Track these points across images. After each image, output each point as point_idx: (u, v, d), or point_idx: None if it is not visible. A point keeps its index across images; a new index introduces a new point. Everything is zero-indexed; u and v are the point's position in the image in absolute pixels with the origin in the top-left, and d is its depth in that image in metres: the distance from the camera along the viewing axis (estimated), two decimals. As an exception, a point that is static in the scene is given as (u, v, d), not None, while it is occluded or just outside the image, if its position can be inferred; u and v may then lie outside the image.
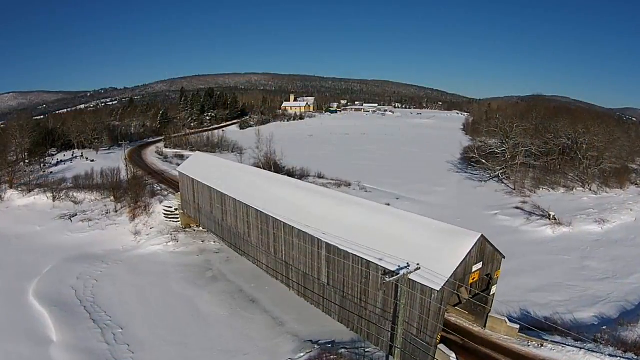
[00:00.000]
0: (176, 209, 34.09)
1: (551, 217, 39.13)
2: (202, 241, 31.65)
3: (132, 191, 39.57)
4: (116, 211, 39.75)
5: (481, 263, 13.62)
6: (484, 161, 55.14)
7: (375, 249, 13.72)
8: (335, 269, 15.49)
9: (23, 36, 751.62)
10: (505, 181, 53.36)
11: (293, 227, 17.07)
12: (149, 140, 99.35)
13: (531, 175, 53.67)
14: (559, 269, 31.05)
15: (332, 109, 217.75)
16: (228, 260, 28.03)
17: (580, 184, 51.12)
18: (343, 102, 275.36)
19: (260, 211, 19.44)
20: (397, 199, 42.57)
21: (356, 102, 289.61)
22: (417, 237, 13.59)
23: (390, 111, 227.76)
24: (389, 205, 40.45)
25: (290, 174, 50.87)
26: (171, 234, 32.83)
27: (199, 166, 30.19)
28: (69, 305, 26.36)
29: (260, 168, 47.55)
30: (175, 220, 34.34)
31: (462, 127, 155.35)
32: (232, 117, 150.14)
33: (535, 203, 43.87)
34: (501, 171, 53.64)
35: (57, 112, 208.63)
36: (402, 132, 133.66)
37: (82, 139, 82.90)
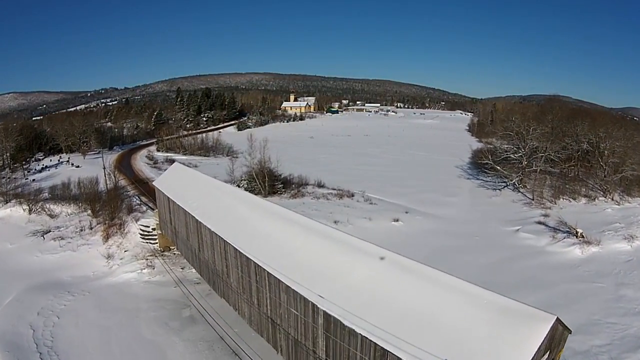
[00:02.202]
0: (154, 229, 29.76)
1: (578, 234, 34.71)
2: (182, 268, 27.35)
3: (109, 205, 35.32)
4: (91, 228, 35.51)
5: (548, 352, 9.28)
6: (498, 168, 50.68)
7: (394, 329, 9.39)
8: (336, 345, 11.12)
9: (23, 36, 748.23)
10: (521, 190, 48.95)
11: (280, 280, 12.72)
12: (142, 143, 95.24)
13: (548, 183, 49.32)
14: (593, 300, 26.70)
15: (333, 109, 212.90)
16: (209, 295, 23.74)
17: (602, 193, 46.76)
18: (344, 101, 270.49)
19: (239, 251, 15.10)
20: (407, 212, 38.14)
21: (357, 102, 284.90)
22: (457, 317, 9.17)
23: (392, 111, 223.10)
24: (397, 221, 36.35)
25: (286, 182, 46.56)
26: (147, 259, 28.49)
27: (177, 181, 25.85)
28: (24, 350, 22.21)
29: (253, 177, 43.29)
30: (153, 241, 30.02)
31: (468, 127, 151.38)
32: (230, 117, 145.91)
33: (558, 216, 39.43)
34: (518, 179, 49.22)
35: (54, 113, 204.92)
36: (406, 133, 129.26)
37: (70, 143, 78.83)
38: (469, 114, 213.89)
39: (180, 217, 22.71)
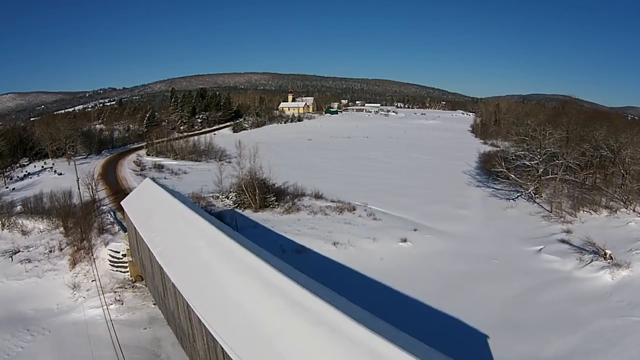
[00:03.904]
0: (124, 255, 25.82)
1: (607, 255, 30.80)
2: (154, 304, 23.36)
3: (79, 225, 31.35)
4: (61, 249, 31.48)
5: None
6: (512, 176, 46.65)
7: None
8: None
9: (22, 36, 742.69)
10: (537, 200, 44.98)
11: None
12: (133, 147, 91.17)
13: (566, 193, 45.39)
14: (632, 341, 22.75)
15: (332, 110, 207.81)
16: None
17: (622, 203, 42.93)
18: (344, 101, 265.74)
19: (203, 323, 11.17)
20: (415, 230, 34.04)
21: (357, 102, 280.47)
22: None
23: (393, 111, 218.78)
24: (405, 241, 32.00)
25: (280, 193, 42.58)
26: (115, 292, 24.55)
27: (145, 203, 21.86)
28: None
29: (242, 188, 39.23)
30: (123, 270, 26.05)
31: (471, 128, 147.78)
32: (226, 119, 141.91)
33: (582, 233, 35.48)
34: (534, 188, 45.21)
35: (54, 113, 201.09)
36: (408, 134, 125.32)
37: (55, 148, 74.77)
38: (471, 114, 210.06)
39: (145, 249, 18.81)
